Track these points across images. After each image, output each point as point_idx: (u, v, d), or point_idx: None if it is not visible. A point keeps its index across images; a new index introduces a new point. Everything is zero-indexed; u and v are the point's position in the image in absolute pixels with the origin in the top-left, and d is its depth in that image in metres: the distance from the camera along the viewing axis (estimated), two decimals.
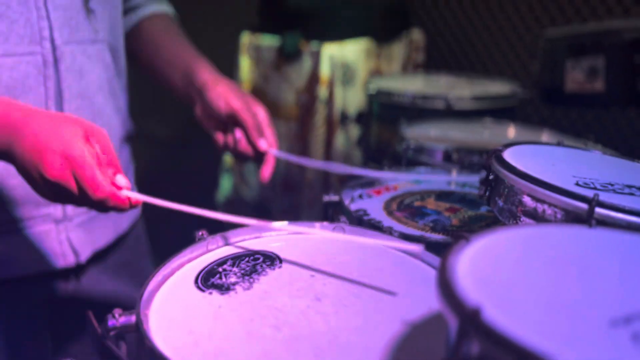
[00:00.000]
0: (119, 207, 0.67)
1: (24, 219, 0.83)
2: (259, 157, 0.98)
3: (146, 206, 1.09)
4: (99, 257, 0.93)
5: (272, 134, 0.97)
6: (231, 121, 0.95)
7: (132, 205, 0.68)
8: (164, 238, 1.18)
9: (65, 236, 0.86)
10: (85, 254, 0.89)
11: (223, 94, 0.92)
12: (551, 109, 1.95)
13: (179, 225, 1.20)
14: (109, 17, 0.89)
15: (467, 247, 0.45)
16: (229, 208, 2.26)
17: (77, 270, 0.90)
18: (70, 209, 0.87)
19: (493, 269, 0.43)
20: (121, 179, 0.67)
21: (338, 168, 0.94)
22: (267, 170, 0.99)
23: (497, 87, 1.57)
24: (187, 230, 0.72)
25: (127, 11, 1.02)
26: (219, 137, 0.99)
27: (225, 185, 2.26)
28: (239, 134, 0.96)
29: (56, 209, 0.85)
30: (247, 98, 0.95)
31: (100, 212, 0.73)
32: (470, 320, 0.35)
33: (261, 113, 0.96)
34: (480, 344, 0.35)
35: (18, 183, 0.80)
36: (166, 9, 1.08)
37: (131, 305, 0.55)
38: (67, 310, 0.92)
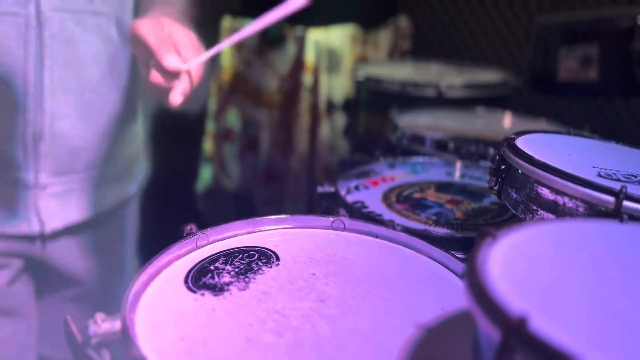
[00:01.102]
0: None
1: None
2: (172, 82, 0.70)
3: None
4: (71, 230, 0.90)
5: (192, 54, 0.71)
6: (143, 50, 0.71)
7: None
8: (148, 233, 1.13)
9: (32, 202, 0.84)
10: (52, 225, 0.86)
11: (133, 24, 0.73)
12: (539, 98, 1.92)
13: (166, 219, 1.14)
14: None
15: (494, 245, 0.40)
16: (209, 199, 2.19)
17: (42, 238, 0.88)
18: (44, 176, 0.84)
19: (528, 271, 0.38)
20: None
21: None
22: (177, 90, 0.68)
23: (488, 76, 1.54)
24: (174, 224, 0.66)
25: None
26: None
27: (205, 175, 2.19)
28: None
29: (28, 174, 0.83)
30: (163, 20, 0.73)
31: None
32: (515, 331, 0.31)
33: (179, 34, 0.71)
34: (525, 358, 0.31)
35: None
36: None
37: (96, 288, 0.49)
38: (39, 278, 0.92)
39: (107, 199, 0.95)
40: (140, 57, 0.74)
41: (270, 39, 1.88)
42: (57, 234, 0.88)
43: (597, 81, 1.31)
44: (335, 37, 1.86)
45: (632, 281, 0.38)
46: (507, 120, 1.28)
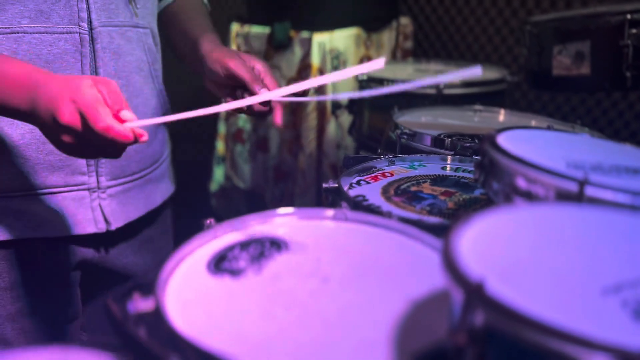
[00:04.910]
0: (123, 141, 0.69)
1: (59, 185, 0.90)
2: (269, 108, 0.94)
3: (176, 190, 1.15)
4: (129, 228, 1.00)
5: (273, 82, 0.94)
6: (233, 82, 0.94)
7: (137, 138, 0.70)
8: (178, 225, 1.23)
9: (97, 204, 0.94)
10: (116, 223, 0.96)
11: (218, 58, 0.94)
12: (538, 94, 1.99)
13: (182, 217, 1.24)
14: (151, 5, 0.99)
15: (468, 225, 0.48)
16: (222, 197, 2.28)
17: (107, 237, 0.98)
18: (104, 179, 0.94)
19: (493, 245, 0.46)
20: (126, 113, 0.71)
21: None
22: (277, 115, 0.92)
23: (486, 73, 1.60)
24: (191, 222, 0.74)
25: None
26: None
27: (218, 174, 2.28)
28: (244, 93, 0.94)
29: (91, 179, 0.92)
30: (242, 56, 0.95)
31: (111, 156, 0.74)
32: (475, 292, 0.38)
33: (258, 65, 0.95)
34: (484, 315, 0.38)
35: (54, 149, 0.85)
36: None
37: (145, 281, 0.57)
38: (94, 275, 1.01)
39: (157, 196, 1.06)
40: (217, 83, 0.95)
41: (277, 43, 1.97)
42: (117, 232, 0.97)
43: (590, 76, 1.37)
44: (339, 39, 1.94)
45: (581, 253, 0.45)
46: (503, 117, 1.35)
